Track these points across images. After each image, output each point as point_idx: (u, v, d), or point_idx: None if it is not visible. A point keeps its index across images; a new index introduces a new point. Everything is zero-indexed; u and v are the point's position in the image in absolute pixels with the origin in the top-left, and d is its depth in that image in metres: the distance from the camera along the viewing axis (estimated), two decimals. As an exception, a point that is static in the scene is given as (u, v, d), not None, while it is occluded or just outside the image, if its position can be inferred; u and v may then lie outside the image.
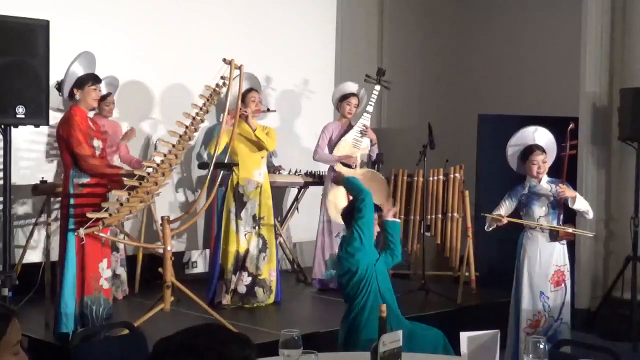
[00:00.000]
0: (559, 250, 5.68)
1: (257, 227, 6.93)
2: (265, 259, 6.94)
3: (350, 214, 5.04)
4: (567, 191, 5.57)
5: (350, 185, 5.24)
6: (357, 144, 7.52)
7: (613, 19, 7.64)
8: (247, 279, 6.85)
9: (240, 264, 6.84)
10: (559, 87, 8.24)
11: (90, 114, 6.79)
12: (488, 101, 8.69)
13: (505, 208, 5.73)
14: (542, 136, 5.78)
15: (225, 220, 6.87)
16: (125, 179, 5.49)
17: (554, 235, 5.64)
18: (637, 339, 6.83)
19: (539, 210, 5.64)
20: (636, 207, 7.12)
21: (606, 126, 7.64)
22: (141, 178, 5.43)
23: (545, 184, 5.69)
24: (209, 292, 6.86)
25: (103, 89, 6.95)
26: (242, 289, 6.84)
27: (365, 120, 7.56)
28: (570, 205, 5.63)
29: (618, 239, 7.55)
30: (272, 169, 7.90)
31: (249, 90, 7.00)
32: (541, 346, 3.10)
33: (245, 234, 6.88)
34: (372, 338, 4.47)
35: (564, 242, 5.72)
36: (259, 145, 6.92)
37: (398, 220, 5.31)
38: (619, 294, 7.22)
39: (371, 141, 7.57)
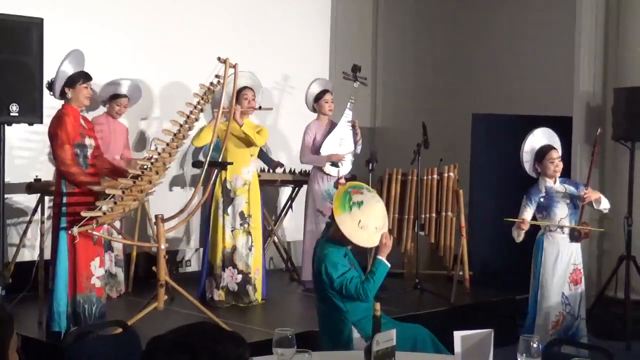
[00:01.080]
0: (576, 249, 5.74)
1: (245, 225, 6.93)
2: (252, 257, 6.95)
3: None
4: (593, 194, 5.62)
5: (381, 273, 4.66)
6: (343, 143, 7.53)
7: (607, 19, 7.66)
8: (237, 277, 6.85)
9: (229, 260, 6.85)
10: (553, 86, 8.25)
11: (100, 111, 6.84)
12: (482, 100, 8.71)
13: (528, 212, 5.72)
14: (551, 137, 5.81)
15: (214, 215, 6.91)
16: (107, 186, 5.44)
17: (576, 236, 5.67)
18: (631, 338, 6.84)
19: (561, 212, 5.67)
20: (630, 207, 7.14)
21: (600, 126, 7.64)
22: (135, 176, 5.42)
23: (559, 184, 5.72)
24: (198, 288, 6.88)
25: (123, 90, 6.97)
26: (233, 287, 6.84)
27: (347, 117, 7.58)
28: (595, 207, 5.69)
29: (612, 238, 7.56)
30: (273, 165, 7.92)
31: (243, 87, 7.01)
32: (534, 345, 3.11)
33: (231, 230, 6.89)
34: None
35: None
36: (247, 142, 6.92)
37: (389, 265, 4.67)
38: (613, 293, 7.24)
39: (356, 135, 7.58)
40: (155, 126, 7.63)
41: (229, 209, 6.90)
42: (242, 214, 6.93)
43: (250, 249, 6.93)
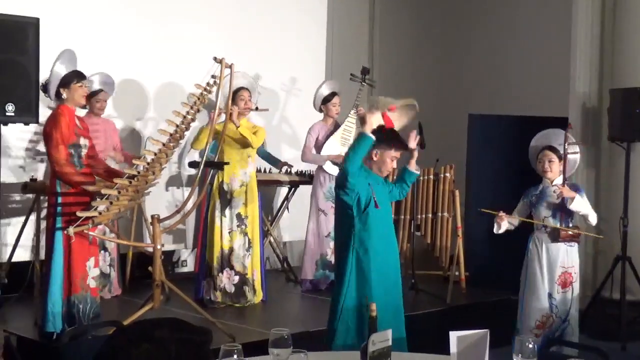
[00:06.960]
0: (565, 252, 5.70)
1: (242, 226, 6.92)
2: (250, 258, 6.94)
3: None
4: (565, 191, 5.58)
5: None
6: (345, 143, 7.53)
7: (603, 19, 7.67)
8: (234, 278, 6.84)
9: (226, 262, 6.84)
10: (550, 87, 8.27)
11: (83, 112, 6.81)
12: (478, 101, 8.72)
13: (517, 208, 5.77)
14: (553, 137, 5.78)
15: (210, 217, 6.88)
16: (102, 186, 5.43)
17: (554, 236, 5.66)
18: (626, 338, 6.85)
19: (545, 211, 5.68)
20: (625, 208, 7.14)
21: (596, 126, 7.67)
22: (131, 177, 5.41)
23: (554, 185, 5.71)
24: (197, 291, 6.87)
25: (96, 85, 6.94)
26: (230, 288, 6.84)
27: (352, 118, 7.58)
28: (567, 205, 5.61)
29: (607, 239, 7.55)
30: (280, 165, 7.89)
31: (240, 89, 6.99)
32: (530, 345, 3.11)
33: (228, 232, 6.87)
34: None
35: (573, 244, 5.74)
36: (243, 143, 6.90)
37: (418, 172, 5.29)
38: (608, 294, 7.24)
39: None
40: (147, 125, 7.63)
41: (226, 211, 6.88)
42: (239, 215, 6.91)
43: (247, 250, 6.92)
